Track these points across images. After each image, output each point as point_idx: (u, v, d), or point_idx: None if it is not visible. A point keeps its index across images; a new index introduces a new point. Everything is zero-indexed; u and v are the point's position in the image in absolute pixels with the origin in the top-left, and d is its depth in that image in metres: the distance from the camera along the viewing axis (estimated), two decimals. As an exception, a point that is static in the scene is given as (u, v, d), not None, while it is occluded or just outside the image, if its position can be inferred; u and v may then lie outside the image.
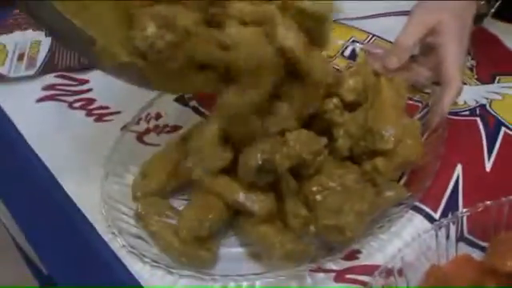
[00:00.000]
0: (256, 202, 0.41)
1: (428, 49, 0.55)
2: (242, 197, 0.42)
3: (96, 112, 0.62)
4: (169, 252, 0.43)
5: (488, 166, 0.49)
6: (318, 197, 0.42)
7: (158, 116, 0.57)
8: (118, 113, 0.61)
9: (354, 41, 0.68)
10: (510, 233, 0.40)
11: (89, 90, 0.65)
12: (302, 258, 0.39)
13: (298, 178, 0.44)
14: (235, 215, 0.44)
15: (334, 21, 0.73)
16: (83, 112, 0.62)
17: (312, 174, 0.43)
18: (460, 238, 0.41)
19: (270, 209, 0.41)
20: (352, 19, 0.73)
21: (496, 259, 0.37)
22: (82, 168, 0.53)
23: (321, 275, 0.41)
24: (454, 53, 0.52)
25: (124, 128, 0.56)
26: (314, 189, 0.43)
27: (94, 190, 0.48)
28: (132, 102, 0.61)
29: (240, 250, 0.45)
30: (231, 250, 0.45)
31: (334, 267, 0.41)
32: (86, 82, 0.67)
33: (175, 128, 0.57)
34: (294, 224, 0.41)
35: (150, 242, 0.44)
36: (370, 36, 0.69)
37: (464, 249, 0.41)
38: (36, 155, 0.56)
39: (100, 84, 0.66)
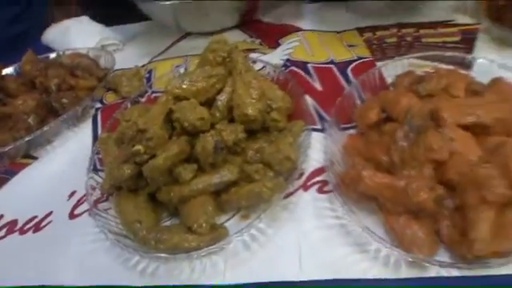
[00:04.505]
0: (229, 173, 0.56)
1: None
2: (217, 179, 0.56)
3: (28, 227, 0.64)
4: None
5: (318, 88, 0.74)
6: (258, 156, 0.60)
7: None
8: (50, 214, 0.65)
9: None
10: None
11: (1, 216, 0.67)
12: (282, 188, 0.55)
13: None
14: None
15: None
16: (15, 234, 0.64)
17: (243, 147, 0.60)
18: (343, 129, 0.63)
19: (240, 171, 0.57)
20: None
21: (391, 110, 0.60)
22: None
23: (293, 197, 0.58)
24: None
25: (73, 216, 0.62)
26: (251, 153, 0.60)
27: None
28: (55, 197, 0.66)
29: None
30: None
31: (297, 185, 0.58)
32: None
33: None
34: (258, 176, 0.58)
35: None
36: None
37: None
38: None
39: (9, 203, 0.69)
